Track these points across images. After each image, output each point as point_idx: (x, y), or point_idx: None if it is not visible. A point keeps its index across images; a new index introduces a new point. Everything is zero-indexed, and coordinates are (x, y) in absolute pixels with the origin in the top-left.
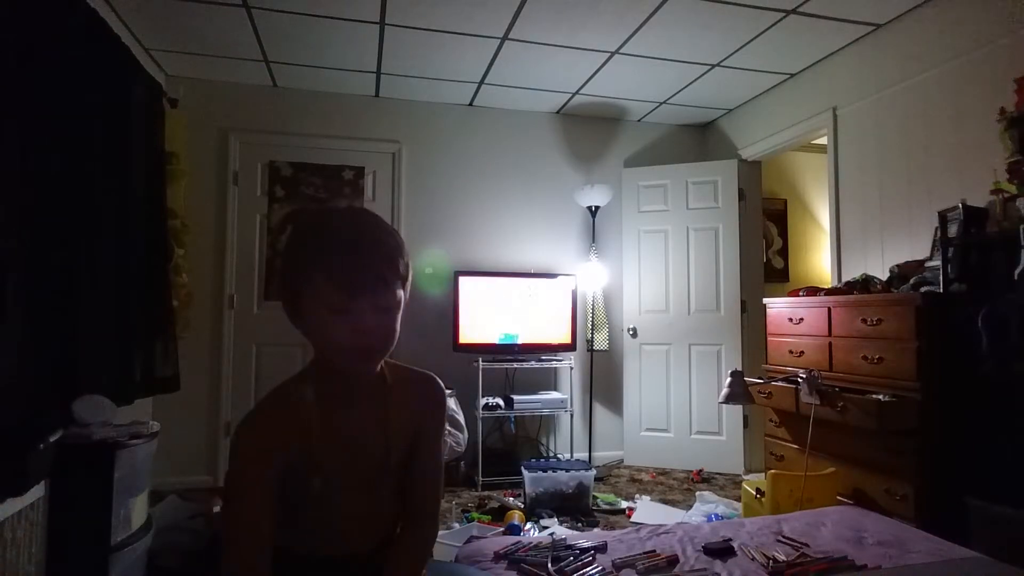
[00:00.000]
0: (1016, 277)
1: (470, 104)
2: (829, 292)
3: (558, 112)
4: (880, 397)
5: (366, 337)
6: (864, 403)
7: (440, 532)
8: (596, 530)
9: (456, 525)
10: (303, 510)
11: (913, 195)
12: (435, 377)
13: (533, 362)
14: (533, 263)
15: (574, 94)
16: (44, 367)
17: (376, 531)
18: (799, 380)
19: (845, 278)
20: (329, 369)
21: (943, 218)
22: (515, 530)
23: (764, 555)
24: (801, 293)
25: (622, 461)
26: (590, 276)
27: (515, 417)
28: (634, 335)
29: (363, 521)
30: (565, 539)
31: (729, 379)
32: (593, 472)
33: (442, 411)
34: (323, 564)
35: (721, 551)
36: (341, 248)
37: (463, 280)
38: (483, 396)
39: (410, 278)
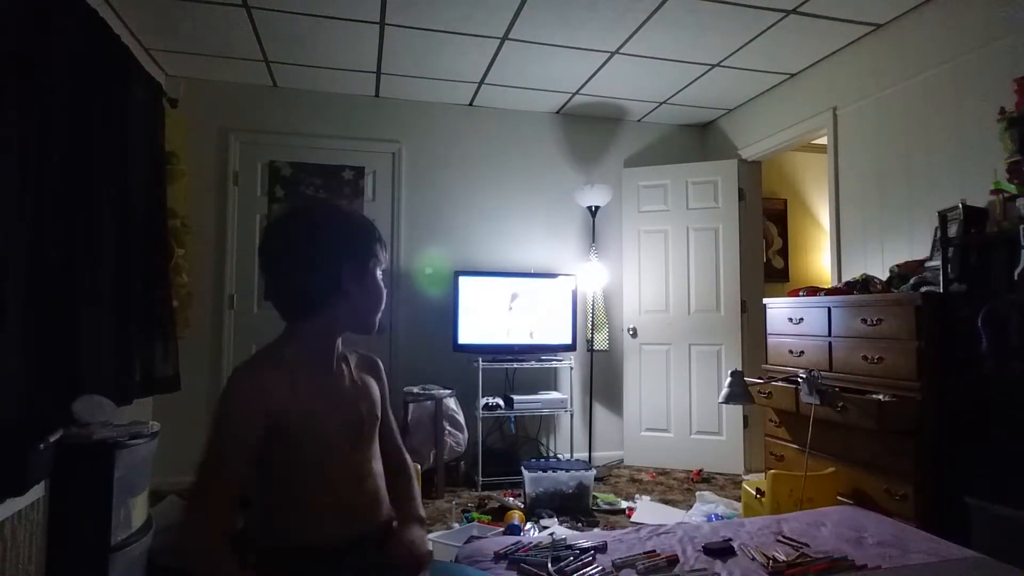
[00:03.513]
0: (1016, 277)
1: (470, 104)
2: (829, 292)
3: (558, 112)
4: (880, 397)
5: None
6: (864, 403)
7: (440, 532)
8: (596, 530)
9: (456, 525)
10: (311, 479)
11: (913, 195)
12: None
13: (533, 362)
14: (533, 263)
15: (574, 94)
16: (44, 367)
17: (379, 497)
18: (799, 380)
19: (845, 278)
20: (317, 336)
21: (943, 218)
22: (515, 530)
23: (764, 555)
24: (801, 293)
25: (622, 461)
26: (590, 276)
27: (515, 417)
28: (634, 335)
29: (365, 482)
30: (565, 539)
31: (729, 379)
32: (593, 472)
33: (383, 376)
34: (338, 552)
35: (721, 551)
36: (374, 229)
37: (463, 280)
38: (483, 396)
39: None
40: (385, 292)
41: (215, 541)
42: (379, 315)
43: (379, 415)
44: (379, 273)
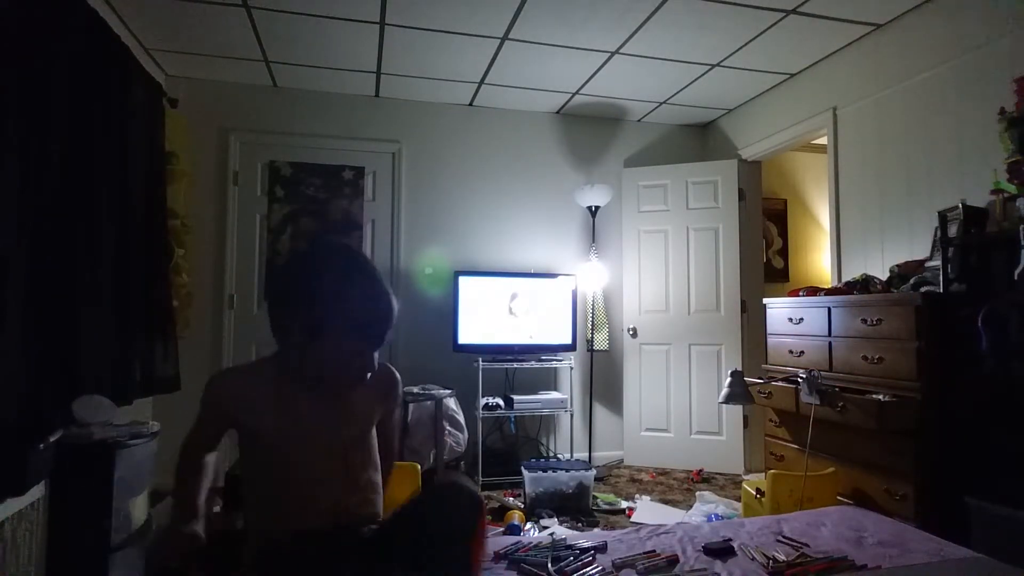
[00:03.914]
0: (1016, 277)
1: (470, 104)
2: (829, 292)
3: (558, 112)
4: (880, 397)
5: (355, 372)
6: (864, 403)
7: None
8: (596, 530)
9: None
10: (276, 481)
11: (913, 195)
12: (391, 368)
13: (533, 362)
14: (533, 263)
15: (574, 94)
16: (44, 367)
17: (361, 493)
18: (799, 380)
19: (845, 278)
20: (295, 361)
21: (943, 218)
22: (515, 530)
23: (764, 555)
24: (801, 293)
25: (622, 461)
26: (590, 276)
27: (515, 417)
28: (634, 335)
29: (340, 486)
30: (565, 539)
31: (729, 379)
32: (593, 472)
33: (398, 391)
34: (326, 538)
35: (721, 551)
36: (379, 312)
37: (463, 280)
38: (483, 396)
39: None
40: (356, 364)
41: (188, 458)
42: (339, 378)
43: (364, 430)
44: (352, 343)
